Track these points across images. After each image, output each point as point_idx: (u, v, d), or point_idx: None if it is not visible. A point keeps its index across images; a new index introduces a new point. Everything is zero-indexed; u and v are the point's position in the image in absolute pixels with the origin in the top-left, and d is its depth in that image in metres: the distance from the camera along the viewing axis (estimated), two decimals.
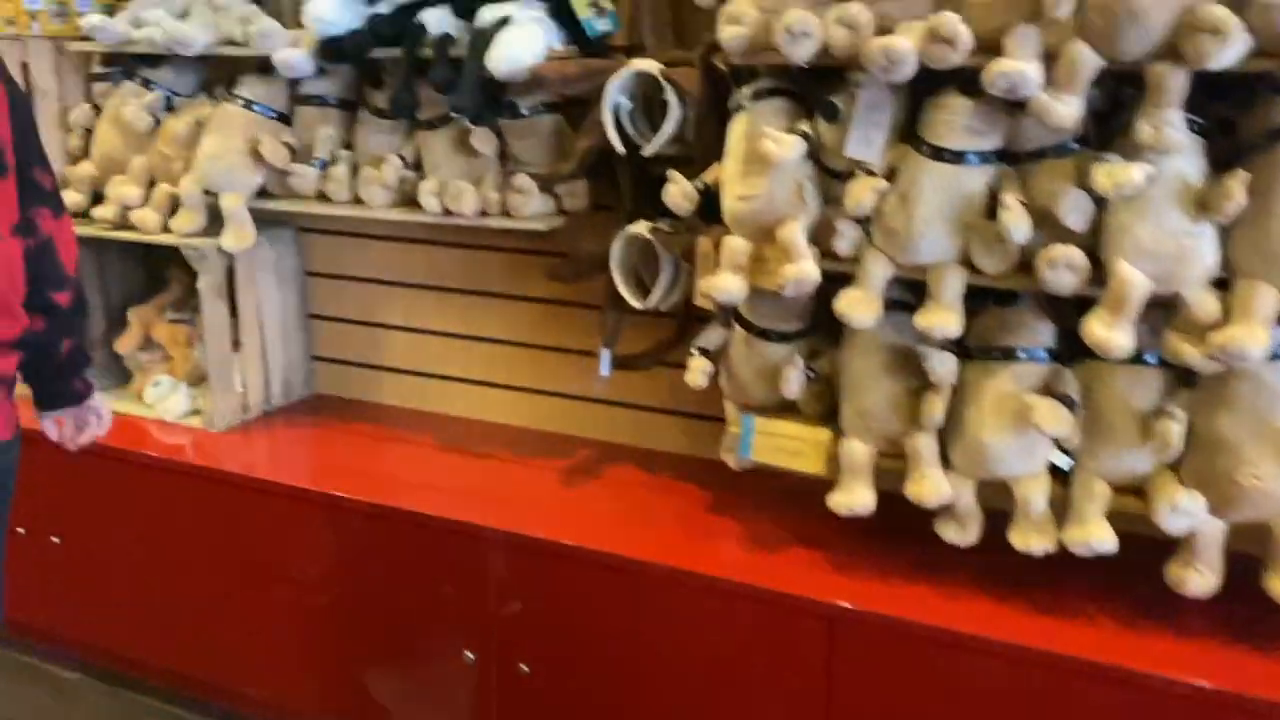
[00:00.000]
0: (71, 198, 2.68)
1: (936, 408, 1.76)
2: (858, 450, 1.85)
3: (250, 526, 2.41)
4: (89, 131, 2.73)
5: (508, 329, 2.62)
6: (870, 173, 1.74)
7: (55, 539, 2.67)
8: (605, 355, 2.25)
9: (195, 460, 2.45)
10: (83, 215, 2.69)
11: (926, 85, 1.71)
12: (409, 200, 2.37)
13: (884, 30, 1.65)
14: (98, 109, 2.72)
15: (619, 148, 2.07)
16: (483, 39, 2.12)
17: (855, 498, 1.84)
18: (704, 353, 2.03)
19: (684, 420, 2.44)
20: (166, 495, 2.49)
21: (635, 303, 2.13)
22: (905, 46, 1.60)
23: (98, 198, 2.68)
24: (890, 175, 1.74)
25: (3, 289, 1.54)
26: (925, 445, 1.79)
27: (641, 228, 2.07)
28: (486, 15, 2.17)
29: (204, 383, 2.66)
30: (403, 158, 2.38)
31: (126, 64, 2.68)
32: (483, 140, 2.27)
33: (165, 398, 2.71)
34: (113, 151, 2.66)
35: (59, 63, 2.73)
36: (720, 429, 2.12)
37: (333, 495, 2.28)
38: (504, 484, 2.35)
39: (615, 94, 2.04)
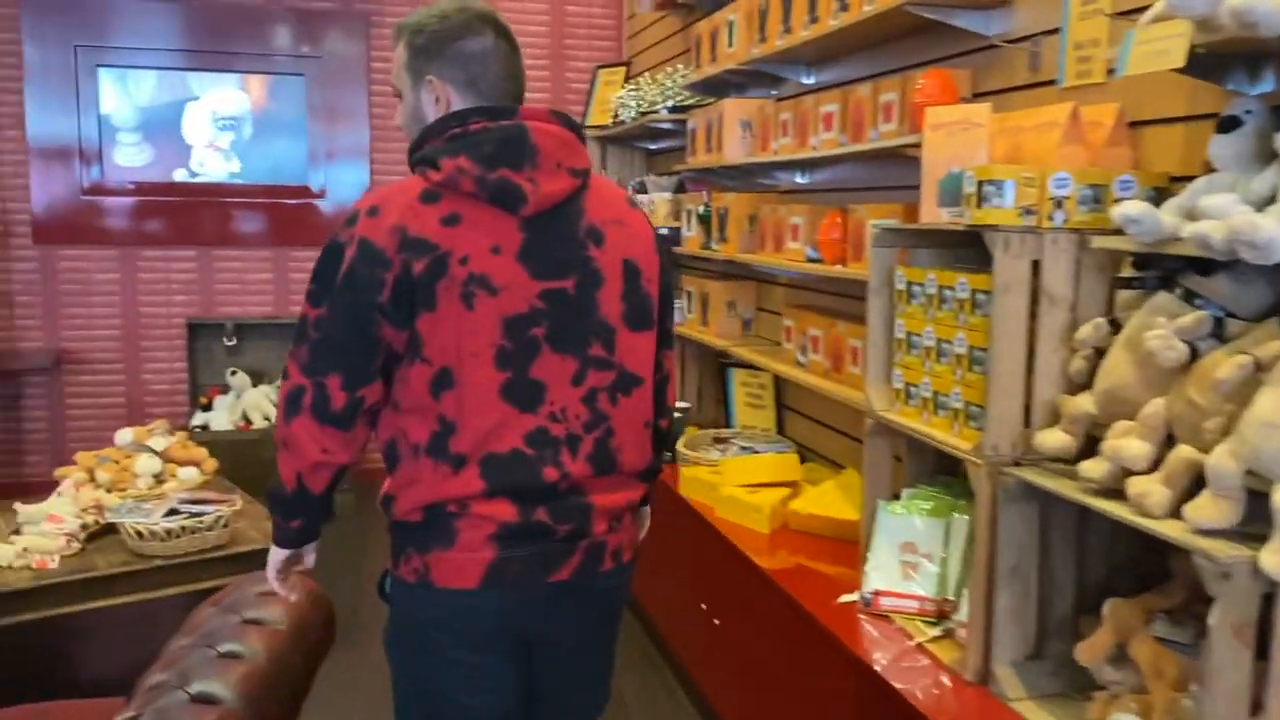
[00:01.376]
0: (1058, 439, 1.99)
1: None
2: None
3: None
4: (1099, 353, 2.01)
5: None
6: None
7: None
8: None
9: None
10: (1067, 463, 1.98)
11: None
12: None
13: None
14: (1117, 326, 2.00)
15: None
16: None
17: None
18: None
19: None
20: None
21: None
22: None
23: (1090, 444, 1.94)
24: None
25: (640, 427, 1.79)
26: None
27: None
28: None
29: None
30: None
31: (1166, 267, 1.90)
32: None
33: None
34: (1122, 387, 1.89)
35: (1080, 261, 2.07)
36: None
37: None
38: None
39: None
